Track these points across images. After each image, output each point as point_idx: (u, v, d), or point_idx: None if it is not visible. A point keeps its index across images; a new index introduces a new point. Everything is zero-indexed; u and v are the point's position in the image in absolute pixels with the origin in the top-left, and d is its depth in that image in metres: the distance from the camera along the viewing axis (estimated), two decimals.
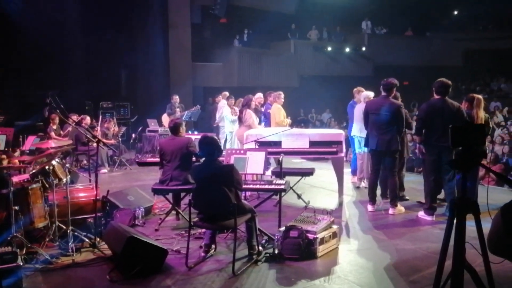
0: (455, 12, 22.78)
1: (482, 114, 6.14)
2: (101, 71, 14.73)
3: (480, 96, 6.32)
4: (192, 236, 5.05)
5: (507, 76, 20.91)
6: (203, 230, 5.01)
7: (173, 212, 6.08)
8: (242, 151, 5.62)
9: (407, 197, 6.96)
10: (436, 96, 5.85)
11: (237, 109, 10.37)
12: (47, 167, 5.01)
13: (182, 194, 6.14)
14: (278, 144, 7.11)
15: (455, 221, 2.48)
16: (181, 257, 4.65)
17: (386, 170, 6.26)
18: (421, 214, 6.02)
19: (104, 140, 9.89)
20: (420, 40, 21.64)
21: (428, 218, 5.89)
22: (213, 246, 4.81)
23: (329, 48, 19.83)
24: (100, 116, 12.47)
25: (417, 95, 16.75)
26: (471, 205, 2.35)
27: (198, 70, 16.84)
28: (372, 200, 6.38)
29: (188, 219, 4.64)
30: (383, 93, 6.25)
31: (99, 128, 10.82)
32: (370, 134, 6.30)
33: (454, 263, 2.28)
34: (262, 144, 6.96)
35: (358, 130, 7.85)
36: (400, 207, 6.30)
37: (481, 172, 8.10)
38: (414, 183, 7.94)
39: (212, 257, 4.69)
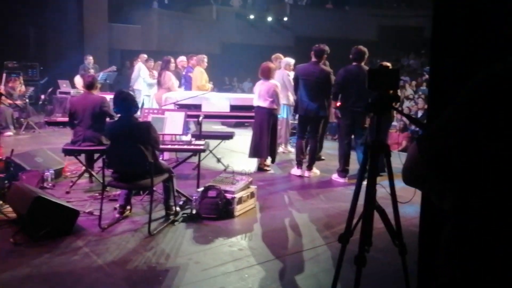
0: None
1: None
2: (6, 28, 13.46)
3: (388, 64, 6.61)
4: (106, 198, 4.87)
5: (415, 53, 22.18)
6: (118, 192, 4.84)
7: (86, 174, 5.79)
8: (160, 111, 5.46)
9: (323, 158, 7.21)
10: (353, 63, 6.03)
11: (155, 73, 10.06)
12: None
13: (96, 156, 5.86)
14: (198, 107, 7.03)
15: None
16: (94, 218, 4.46)
17: (310, 135, 6.41)
18: (335, 176, 6.27)
19: (9, 101, 9.18)
20: (339, 13, 22.18)
21: (341, 180, 6.15)
22: (128, 207, 4.67)
23: (252, 16, 19.71)
24: (4, 75, 11.47)
25: (334, 67, 17.22)
26: (384, 146, 2.46)
27: (115, 32, 15.99)
28: (299, 164, 6.48)
29: (101, 180, 4.44)
30: (313, 59, 6.32)
31: (2, 87, 9.96)
32: (299, 100, 6.35)
33: (366, 203, 2.38)
34: (182, 107, 6.83)
35: None
36: (316, 170, 6.52)
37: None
38: (328, 149, 8.20)
39: (127, 218, 4.56)
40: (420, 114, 11.32)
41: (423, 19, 21.58)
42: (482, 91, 1.03)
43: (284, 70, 7.95)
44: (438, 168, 1.11)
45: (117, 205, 4.62)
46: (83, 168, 5.76)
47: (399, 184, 3.40)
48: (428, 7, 20.23)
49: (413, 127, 10.26)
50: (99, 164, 5.95)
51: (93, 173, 5.74)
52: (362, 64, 6.03)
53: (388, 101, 2.38)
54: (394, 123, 9.02)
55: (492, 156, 1.01)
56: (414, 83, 17.09)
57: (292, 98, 7.89)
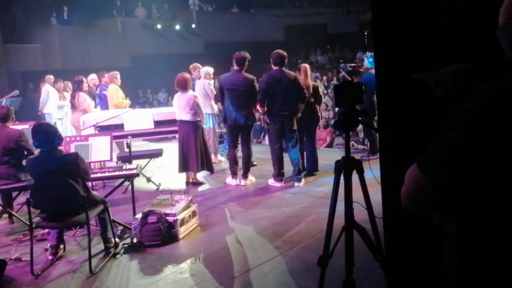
0: None
1: (309, 82, 6.56)
2: None
3: (305, 65, 6.78)
4: (34, 239, 4.42)
5: (322, 49, 23.05)
6: (46, 230, 4.44)
7: (5, 215, 5.25)
8: (83, 138, 5.09)
9: (255, 163, 7.18)
10: (274, 67, 6.05)
11: (66, 94, 9.47)
12: None
13: (14, 193, 5.35)
14: (120, 127, 6.71)
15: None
16: (24, 264, 4.05)
17: (242, 143, 6.37)
18: (271, 181, 6.26)
19: None
20: (246, 16, 22.43)
21: (278, 184, 6.16)
22: (61, 246, 4.29)
23: (159, 26, 19.28)
24: None
25: (246, 70, 17.27)
26: (356, 163, 2.43)
27: (12, 53, 14.82)
28: (234, 174, 6.43)
29: (27, 221, 4.03)
30: (235, 67, 6.25)
31: None
32: (227, 110, 6.26)
33: (346, 223, 2.33)
34: (102, 129, 6.47)
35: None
36: (251, 178, 6.47)
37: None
38: (257, 153, 8.20)
39: (63, 259, 4.20)
40: (337, 109, 11.72)
41: (325, 16, 22.58)
42: (492, 112, 1.01)
43: (204, 80, 7.84)
44: (451, 192, 1.09)
45: (49, 246, 4.24)
46: (1, 208, 5.22)
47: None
48: (328, 5, 21.08)
49: (332, 122, 10.61)
50: (18, 200, 5.47)
51: (13, 212, 5.22)
52: (284, 68, 6.08)
53: (356, 116, 2.35)
54: None
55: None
56: (325, 78, 17.74)
57: (216, 107, 7.79)
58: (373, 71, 7.11)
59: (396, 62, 2.37)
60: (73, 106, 7.76)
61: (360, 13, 21.68)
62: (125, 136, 6.53)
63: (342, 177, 2.41)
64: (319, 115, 7.03)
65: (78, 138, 5.08)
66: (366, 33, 22.54)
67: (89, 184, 5.38)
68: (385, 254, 2.42)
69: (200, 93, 7.64)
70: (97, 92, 8.84)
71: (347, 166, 2.36)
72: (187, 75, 6.51)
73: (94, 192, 4.29)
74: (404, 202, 1.19)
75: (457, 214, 1.14)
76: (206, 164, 6.42)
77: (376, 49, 2.49)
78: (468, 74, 1.36)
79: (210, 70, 7.98)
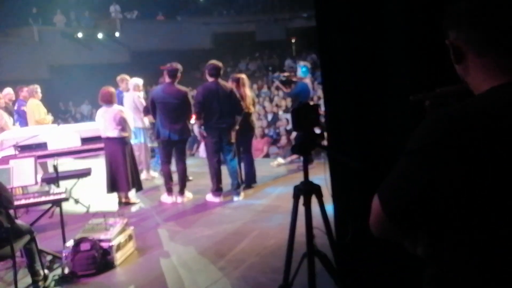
0: None
1: (249, 92, 6.55)
2: None
3: (244, 76, 6.74)
4: None
5: (250, 56, 23.20)
6: None
7: None
8: (2, 161, 4.63)
9: (190, 178, 6.98)
10: (210, 79, 5.92)
11: None
12: None
13: None
14: (43, 145, 6.23)
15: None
16: None
17: (177, 158, 6.15)
18: (209, 197, 6.09)
19: None
20: (172, 24, 22.05)
21: (217, 199, 6.00)
22: None
23: (80, 35, 18.39)
24: None
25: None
26: (315, 188, 2.33)
27: None
28: (169, 191, 6.19)
29: None
30: (167, 80, 6.02)
31: None
32: (160, 124, 6.01)
33: (308, 250, 2.22)
34: (24, 149, 5.97)
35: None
36: (188, 194, 6.27)
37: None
38: (191, 166, 7.97)
39: None
40: (270, 117, 11.78)
41: (253, 24, 22.79)
42: (441, 135, 1.01)
43: (134, 92, 7.53)
44: (405, 221, 1.08)
45: None
46: None
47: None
48: (256, 13, 21.28)
49: (266, 131, 10.64)
50: None
51: None
52: (219, 79, 5.96)
53: (314, 140, 2.25)
54: None
55: (477, 199, 1.00)
56: (255, 86, 17.83)
57: (147, 120, 7.49)
58: (306, 80, 7.23)
59: (345, 74, 2.34)
60: None
61: (287, 20, 22.09)
62: (49, 156, 6.08)
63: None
64: (255, 125, 6.98)
65: None
66: (293, 41, 23.03)
67: (11, 211, 4.93)
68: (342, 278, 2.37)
69: (129, 106, 7.32)
70: (15, 108, 8.21)
71: (306, 192, 2.26)
72: (112, 89, 6.17)
73: (18, 221, 3.89)
74: (372, 231, 1.16)
75: (424, 236, 1.13)
76: (137, 181, 6.16)
77: (322, 62, 2.44)
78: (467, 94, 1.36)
79: (139, 82, 7.68)
